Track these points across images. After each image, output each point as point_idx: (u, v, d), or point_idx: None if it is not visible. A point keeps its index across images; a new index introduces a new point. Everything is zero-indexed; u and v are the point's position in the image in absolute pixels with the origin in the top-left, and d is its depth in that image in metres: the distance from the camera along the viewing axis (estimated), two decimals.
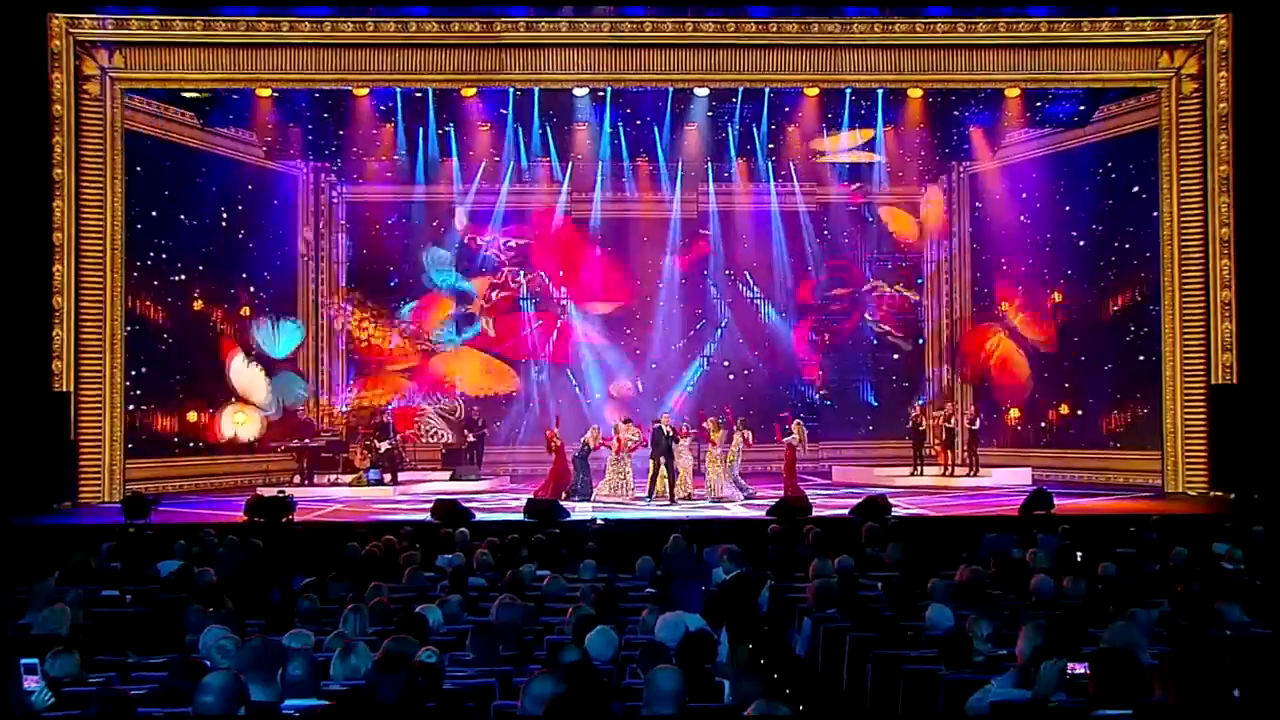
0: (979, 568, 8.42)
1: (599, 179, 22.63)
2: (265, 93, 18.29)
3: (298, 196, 22.46)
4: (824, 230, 23.89)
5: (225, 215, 20.35)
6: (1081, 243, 20.10)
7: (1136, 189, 18.84)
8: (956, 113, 19.74)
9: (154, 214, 18.74)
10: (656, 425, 17.30)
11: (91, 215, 17.13)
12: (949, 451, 20.35)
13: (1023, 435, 21.46)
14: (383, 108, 19.35)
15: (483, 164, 21.92)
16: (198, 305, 19.79)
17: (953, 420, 20.86)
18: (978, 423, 20.30)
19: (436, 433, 22.24)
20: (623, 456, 17.46)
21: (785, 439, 17.59)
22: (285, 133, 20.32)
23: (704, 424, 18.12)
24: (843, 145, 20.82)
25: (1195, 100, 17.48)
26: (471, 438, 20.78)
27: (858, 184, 23.04)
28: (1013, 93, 18.65)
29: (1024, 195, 21.34)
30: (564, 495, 17.01)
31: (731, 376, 23.86)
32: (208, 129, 19.61)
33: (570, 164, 22.27)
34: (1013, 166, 21.56)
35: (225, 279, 20.43)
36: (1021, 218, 21.41)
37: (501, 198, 22.85)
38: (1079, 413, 20.29)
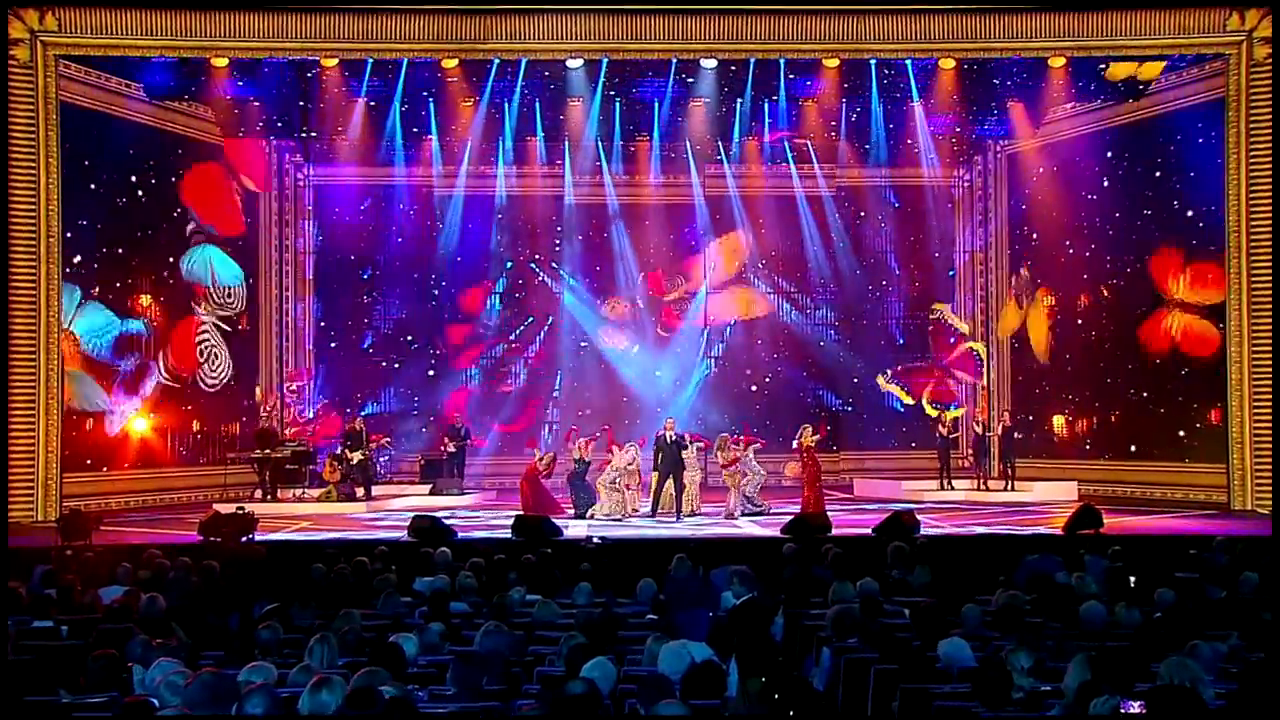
0: (1018, 593, 8.41)
1: (604, 160, 22.65)
2: (221, 62, 18.24)
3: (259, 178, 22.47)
4: (849, 216, 23.91)
5: (175, 200, 20.32)
6: (1137, 229, 20.01)
7: (1199, 169, 18.65)
8: (996, 81, 19.63)
9: (93, 197, 18.63)
10: (660, 434, 17.25)
11: (22, 200, 16.78)
12: (983, 463, 20.36)
13: (1067, 445, 21.43)
14: (354, 80, 19.33)
15: (469, 144, 21.94)
16: (143, 300, 19.76)
17: (992, 427, 20.86)
18: (1015, 431, 20.27)
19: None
20: (617, 477, 17.37)
21: (796, 440, 17.51)
22: (244, 108, 20.29)
23: (724, 445, 18.04)
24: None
25: (1269, 67, 17.08)
26: (453, 447, 20.77)
27: None
28: (1057, 62, 18.56)
29: (1070, 177, 21.29)
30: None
31: (754, 387, 23.88)
32: (155, 102, 19.57)
33: (565, 144, 22.31)
34: (1057, 144, 21.52)
35: (172, 271, 20.40)
36: (1067, 201, 21.36)
37: (501, 182, 23.00)
38: (1132, 419, 20.20)
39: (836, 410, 23.82)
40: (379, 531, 15.60)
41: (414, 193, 23.19)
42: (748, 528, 16.18)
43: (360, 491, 19.20)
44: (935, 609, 7.95)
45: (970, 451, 21.28)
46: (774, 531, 14.70)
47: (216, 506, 16.09)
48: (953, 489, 20.04)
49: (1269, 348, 17.06)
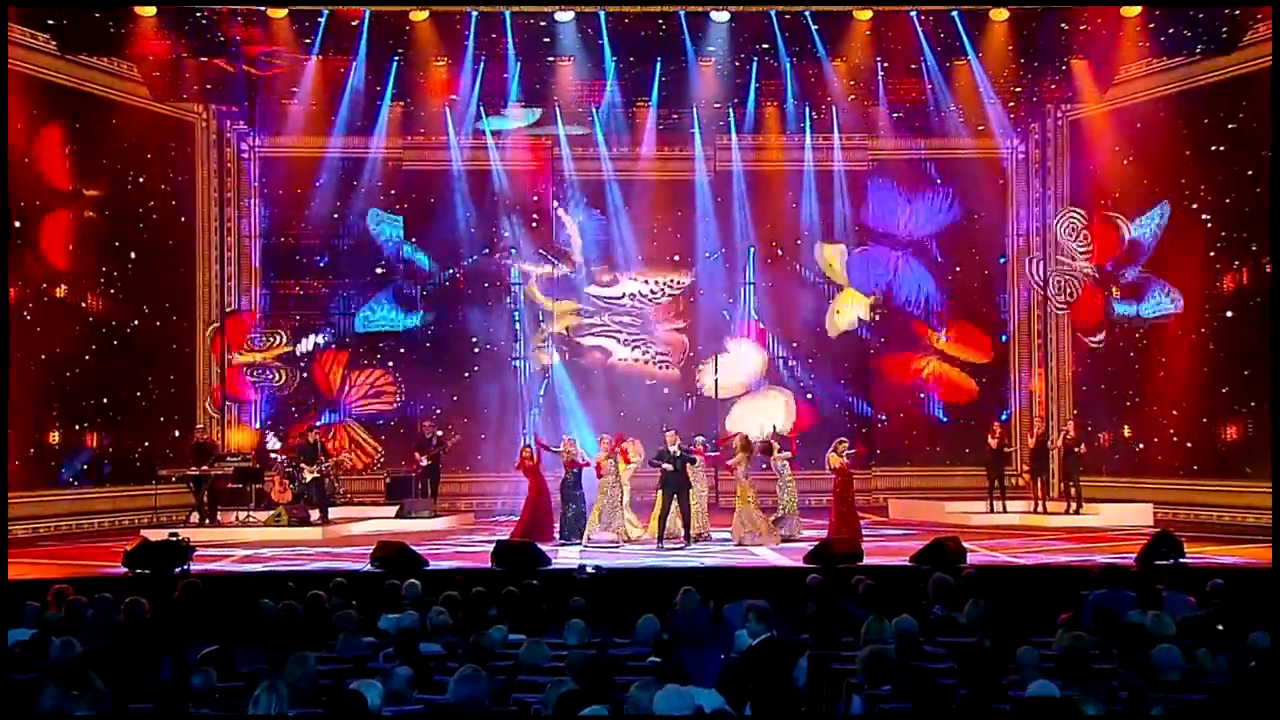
0: (1082, 634, 8.39)
1: (600, 131, 22.76)
2: (148, 12, 18.24)
3: (195, 150, 22.45)
4: (887, 194, 23.95)
5: (95, 172, 20.30)
6: (1222, 209, 19.95)
7: None
8: (1063, 29, 19.47)
9: None
10: (662, 448, 17.25)
11: None
12: (1041, 482, 20.35)
13: (1141, 460, 21.35)
14: (306, 34, 19.32)
15: (448, 108, 22.01)
16: (59, 292, 19.73)
17: (1053, 438, 20.82)
18: (1081, 444, 20.23)
19: None
20: (617, 481, 17.44)
21: (830, 456, 17.50)
22: (178, 66, 20.27)
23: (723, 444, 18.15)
24: None
25: None
26: (425, 461, 20.76)
27: None
28: (1130, 11, 18.53)
29: (1143, 147, 21.26)
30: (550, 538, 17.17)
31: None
32: (70, 58, 19.51)
33: (556, 110, 22.41)
34: (1129, 109, 21.47)
35: (100, 259, 20.39)
36: (1144, 175, 21.29)
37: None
38: (1221, 431, 20.11)
39: (869, 419, 23.83)
40: (337, 560, 15.57)
41: (378, 167, 23.20)
42: (766, 555, 16.18)
43: (315, 514, 19.19)
44: (985, 651, 7.93)
45: (1026, 468, 21.23)
46: (797, 560, 14.68)
47: (145, 533, 16.04)
48: (1005, 511, 20.03)
49: None
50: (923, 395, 24.15)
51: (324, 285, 23.74)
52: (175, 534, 14.60)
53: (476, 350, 23.77)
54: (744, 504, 17.35)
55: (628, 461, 17.66)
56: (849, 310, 24.05)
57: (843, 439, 17.73)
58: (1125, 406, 21.76)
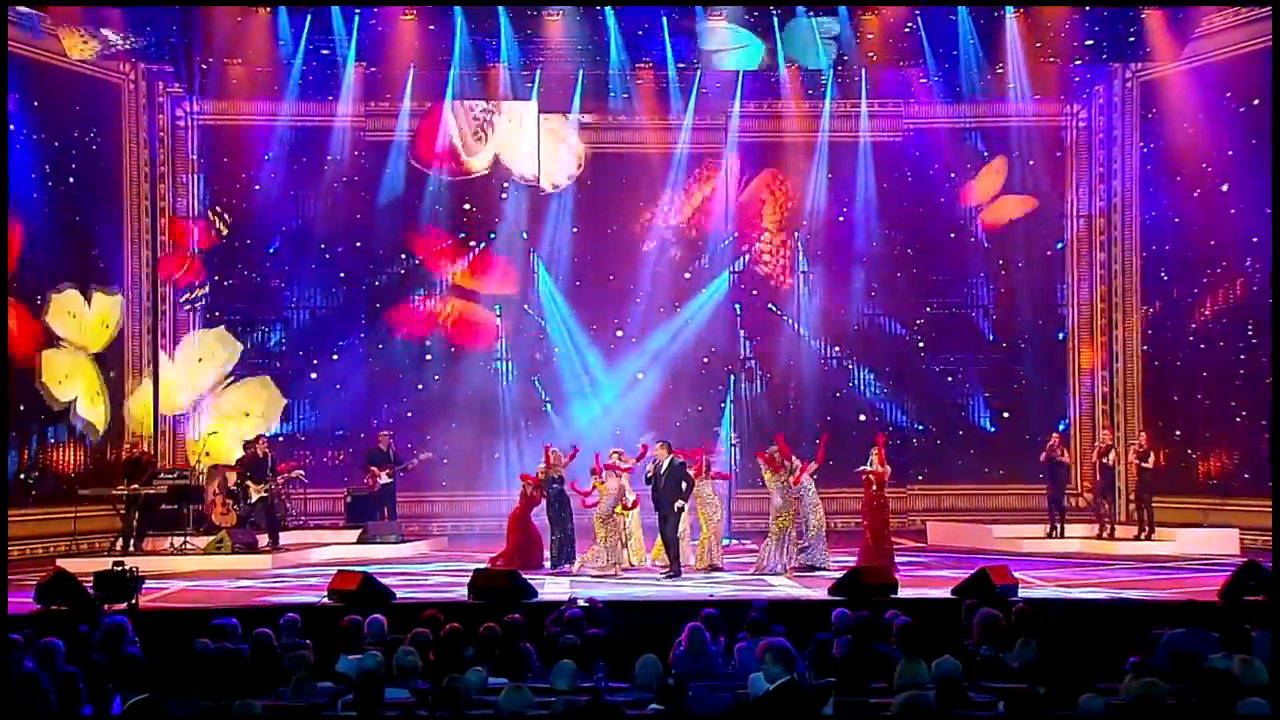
0: (1155, 680, 8.39)
1: (578, 96, 22.99)
2: None
3: (122, 117, 22.44)
4: (929, 170, 24.05)
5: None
6: None
7: None
8: None
9: None
10: (655, 461, 17.29)
11: None
12: (1108, 503, 20.31)
13: (1227, 479, 21.22)
14: None
15: (411, 71, 22.11)
16: None
17: (1113, 455, 20.80)
18: (1151, 459, 20.22)
19: None
20: (613, 509, 17.47)
21: (865, 468, 17.48)
22: (100, 19, 20.27)
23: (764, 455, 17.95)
24: None
25: None
26: (384, 478, 20.78)
27: None
28: None
29: (1227, 112, 21.24)
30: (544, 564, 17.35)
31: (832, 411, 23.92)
32: None
33: (539, 73, 22.54)
34: (1209, 69, 21.47)
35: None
36: (1226, 146, 21.26)
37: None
38: None
39: (905, 430, 23.86)
40: (289, 593, 15.61)
41: (338, 137, 23.27)
42: (785, 587, 16.18)
43: (263, 539, 19.20)
44: (1039, 699, 7.92)
45: (1087, 486, 21.23)
46: (822, 592, 14.70)
47: (60, 562, 15.99)
48: (1064, 536, 20.03)
49: None
50: None
51: (275, 275, 23.72)
52: (120, 562, 14.50)
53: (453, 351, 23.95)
54: (771, 531, 17.39)
55: (624, 470, 17.66)
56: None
57: (875, 445, 17.66)
58: (1211, 414, 21.65)
